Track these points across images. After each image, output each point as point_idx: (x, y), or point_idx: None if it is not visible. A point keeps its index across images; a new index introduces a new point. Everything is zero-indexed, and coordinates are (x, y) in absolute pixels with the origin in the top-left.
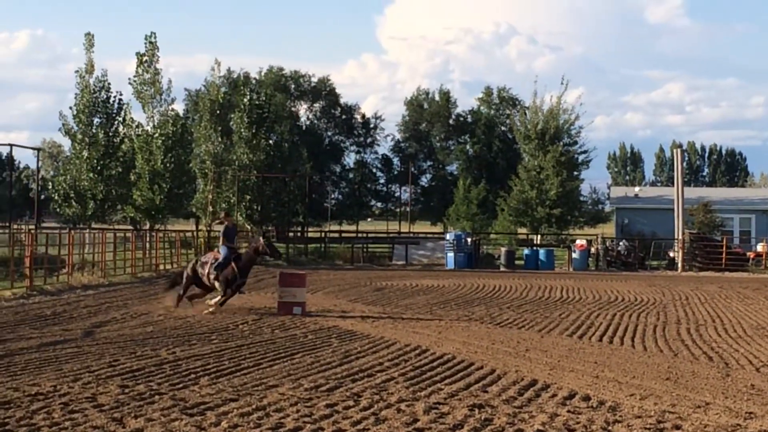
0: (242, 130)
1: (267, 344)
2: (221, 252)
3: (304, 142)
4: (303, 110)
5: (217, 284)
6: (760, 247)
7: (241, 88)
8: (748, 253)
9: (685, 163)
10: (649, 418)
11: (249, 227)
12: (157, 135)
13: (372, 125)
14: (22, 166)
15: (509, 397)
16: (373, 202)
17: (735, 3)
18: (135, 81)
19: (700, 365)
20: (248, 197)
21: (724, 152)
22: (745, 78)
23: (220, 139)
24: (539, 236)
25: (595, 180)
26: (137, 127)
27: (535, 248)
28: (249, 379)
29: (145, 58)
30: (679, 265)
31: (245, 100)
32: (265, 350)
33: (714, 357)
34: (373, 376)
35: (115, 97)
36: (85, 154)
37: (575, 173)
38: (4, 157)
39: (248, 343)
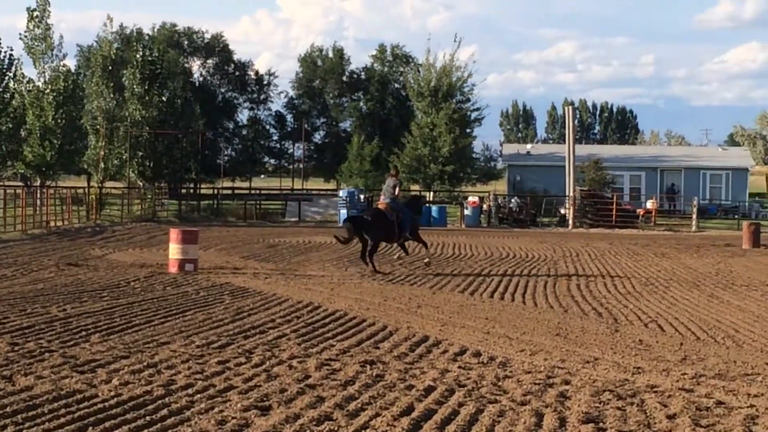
0: (135, 86)
1: (158, 301)
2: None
3: (197, 98)
4: (196, 67)
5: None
6: (649, 204)
7: (134, 44)
8: (637, 210)
9: (576, 121)
10: (539, 374)
11: (141, 184)
12: (48, 91)
13: (265, 82)
14: None
15: (401, 353)
16: (266, 159)
17: None
18: (26, 36)
19: (590, 321)
20: (140, 154)
21: (615, 110)
22: (636, 36)
23: (112, 95)
24: (432, 193)
25: (488, 137)
26: (28, 83)
27: (427, 205)
28: (140, 336)
29: (36, 14)
30: (570, 222)
31: (138, 56)
32: (157, 307)
33: (603, 313)
34: (265, 332)
35: (5, 52)
36: None
37: (468, 130)
38: None
39: (140, 300)
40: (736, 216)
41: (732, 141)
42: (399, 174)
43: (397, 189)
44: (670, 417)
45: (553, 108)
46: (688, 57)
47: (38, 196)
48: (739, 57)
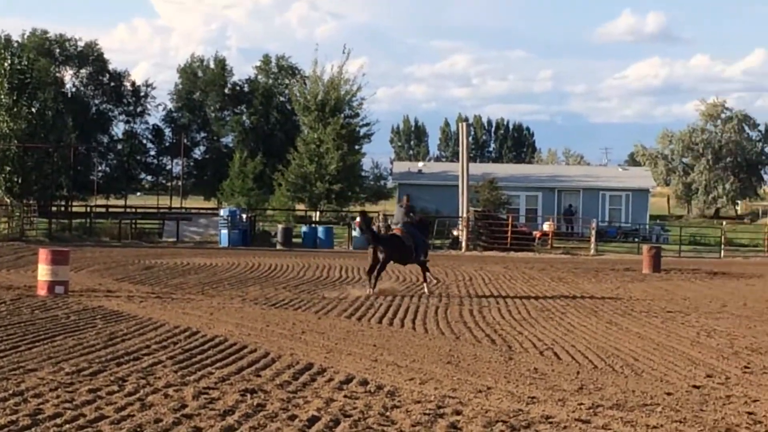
0: (2, 96)
1: (26, 325)
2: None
3: (69, 110)
4: (68, 76)
5: None
6: (546, 226)
7: (2, 51)
8: (534, 232)
9: (470, 138)
10: (429, 403)
11: (8, 201)
12: None
13: (142, 93)
14: None
15: (283, 382)
16: (142, 175)
17: None
18: None
19: (483, 348)
20: (8, 169)
21: (511, 127)
22: (534, 50)
23: None
24: (318, 213)
25: (378, 154)
26: None
27: (313, 225)
28: (5, 362)
29: None
30: (463, 244)
31: (6, 64)
32: (24, 332)
33: (497, 340)
34: (139, 359)
35: None
36: None
37: (357, 147)
38: None
39: (5, 324)
40: (636, 239)
41: (633, 160)
42: (409, 202)
43: (411, 214)
44: None
45: (447, 124)
46: (588, 72)
47: None
48: (640, 73)
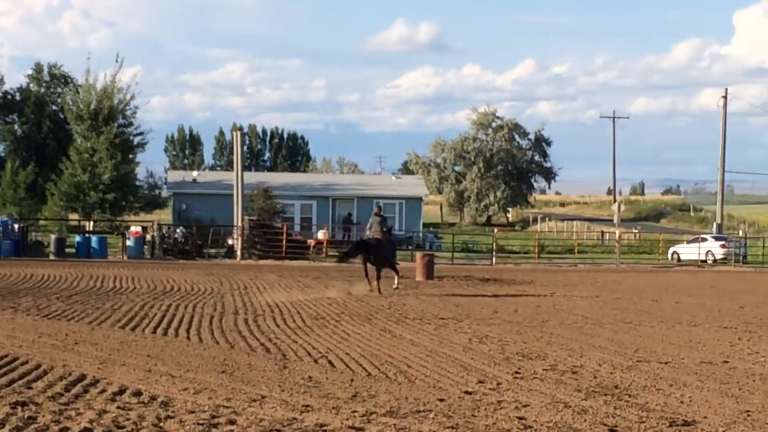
0: None
1: None
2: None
3: None
4: None
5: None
6: (321, 235)
7: None
8: (309, 241)
9: (245, 147)
10: (203, 413)
11: None
12: None
13: None
14: None
15: (55, 393)
16: None
17: None
18: None
19: (257, 357)
20: None
21: (286, 136)
22: (308, 59)
23: None
24: (92, 222)
25: (152, 164)
26: None
27: (87, 235)
28: None
29: None
30: (239, 253)
31: None
32: None
33: (272, 348)
34: None
35: None
36: None
37: (131, 156)
38: None
39: None
40: (410, 247)
41: (406, 169)
42: (381, 211)
43: (383, 225)
44: None
45: (222, 133)
46: (361, 81)
47: None
48: (413, 82)
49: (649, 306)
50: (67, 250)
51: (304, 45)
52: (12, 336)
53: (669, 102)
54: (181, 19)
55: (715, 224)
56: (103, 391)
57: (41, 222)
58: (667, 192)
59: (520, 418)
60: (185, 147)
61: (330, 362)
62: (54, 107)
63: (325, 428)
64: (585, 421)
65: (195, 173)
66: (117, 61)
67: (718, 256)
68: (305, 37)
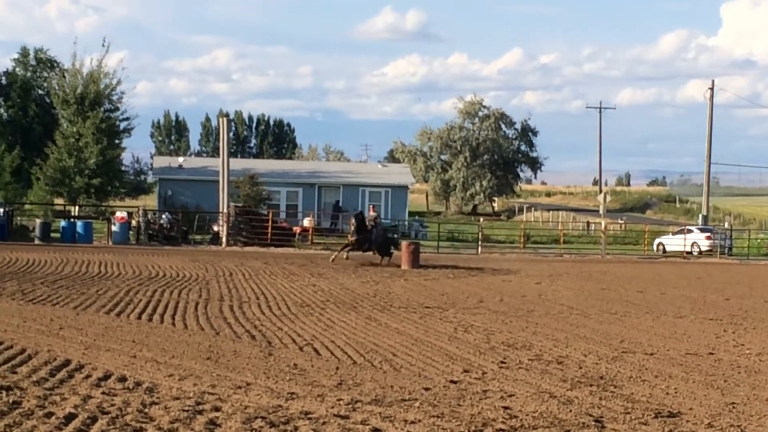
0: None
1: None
2: None
3: None
4: None
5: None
6: (306, 222)
7: None
8: (294, 228)
9: (231, 133)
10: (188, 400)
11: None
12: None
13: None
14: None
15: (40, 378)
16: None
17: None
18: None
19: (243, 344)
20: None
21: (272, 122)
22: (295, 46)
23: None
24: (77, 207)
25: (138, 149)
26: None
27: (72, 220)
28: None
29: None
30: (224, 239)
31: None
32: None
33: (257, 335)
34: None
35: None
36: None
37: (117, 141)
38: None
39: None
40: (396, 235)
41: (392, 157)
42: (375, 211)
43: (376, 219)
44: None
45: (208, 119)
46: (347, 69)
47: None
48: (399, 70)
49: (635, 297)
50: (53, 234)
51: (291, 32)
52: None
53: (655, 93)
54: (168, 4)
55: (700, 216)
56: (88, 376)
57: (26, 206)
58: (652, 183)
59: (506, 408)
60: (171, 133)
61: (315, 350)
62: (40, 92)
63: (310, 416)
64: (570, 411)
65: (181, 159)
66: (104, 45)
67: (703, 248)
68: (292, 24)
